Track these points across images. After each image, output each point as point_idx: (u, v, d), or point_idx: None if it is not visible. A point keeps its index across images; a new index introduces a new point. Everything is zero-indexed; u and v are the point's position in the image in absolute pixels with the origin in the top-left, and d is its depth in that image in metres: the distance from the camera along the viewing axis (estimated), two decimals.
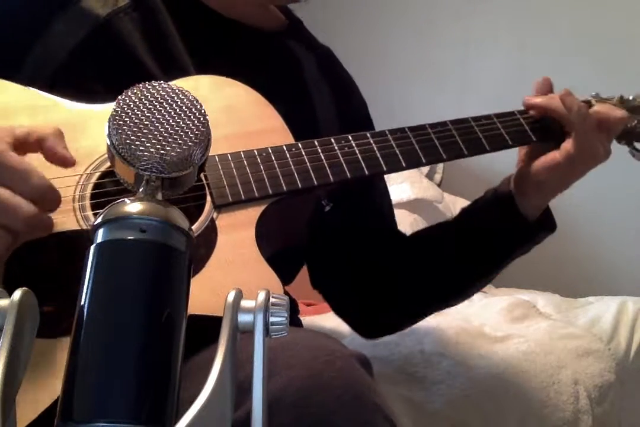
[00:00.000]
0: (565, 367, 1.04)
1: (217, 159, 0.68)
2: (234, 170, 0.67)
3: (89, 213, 0.62)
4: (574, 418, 0.99)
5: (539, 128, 0.80)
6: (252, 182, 0.67)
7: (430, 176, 2.34)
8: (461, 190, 2.32)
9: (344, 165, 0.71)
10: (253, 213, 0.66)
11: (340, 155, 0.71)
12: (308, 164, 0.70)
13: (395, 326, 0.95)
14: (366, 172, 0.72)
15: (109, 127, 0.34)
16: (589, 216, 2.05)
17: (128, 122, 0.34)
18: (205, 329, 0.44)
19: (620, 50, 1.97)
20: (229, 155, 0.68)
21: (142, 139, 0.34)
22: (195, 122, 0.35)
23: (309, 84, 0.89)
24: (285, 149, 0.70)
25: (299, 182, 0.69)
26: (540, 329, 1.17)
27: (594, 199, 1.98)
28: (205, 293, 0.57)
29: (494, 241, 0.84)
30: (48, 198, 0.56)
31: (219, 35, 0.82)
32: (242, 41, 0.84)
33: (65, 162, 0.59)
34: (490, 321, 1.20)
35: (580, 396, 1.02)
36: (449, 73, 2.41)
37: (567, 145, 0.77)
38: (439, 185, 2.36)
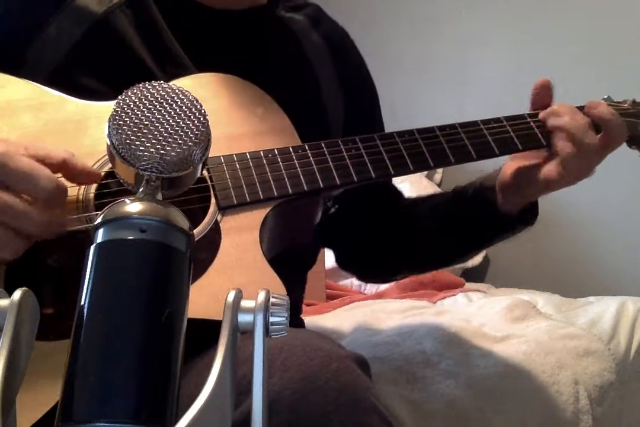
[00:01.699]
0: (565, 367, 1.04)
1: (223, 160, 0.67)
2: (239, 171, 0.67)
3: (93, 213, 0.62)
4: (574, 418, 0.99)
5: (549, 132, 0.78)
6: (258, 184, 0.66)
7: (430, 176, 2.34)
8: None
9: (351, 167, 0.70)
10: (257, 215, 0.66)
11: (347, 158, 0.71)
12: (314, 166, 0.69)
13: (387, 278, 1.08)
14: (373, 175, 0.71)
15: (109, 127, 0.34)
16: (589, 216, 2.05)
17: (128, 122, 0.34)
18: (205, 332, 0.44)
19: (619, 52, 1.97)
20: (234, 156, 0.68)
21: (142, 139, 0.34)
22: (195, 122, 0.35)
23: (308, 54, 0.88)
24: (291, 150, 0.69)
25: (304, 184, 0.68)
26: (540, 329, 1.16)
27: (594, 199, 1.98)
28: (205, 298, 0.56)
29: (473, 227, 0.87)
30: (59, 197, 0.56)
31: (209, 27, 0.82)
32: (234, 30, 0.83)
33: (94, 176, 0.61)
34: (490, 321, 1.20)
35: (580, 396, 1.02)
36: (449, 72, 2.41)
37: (548, 170, 0.76)
38: (439, 185, 2.36)
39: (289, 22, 0.88)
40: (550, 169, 0.76)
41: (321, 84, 0.87)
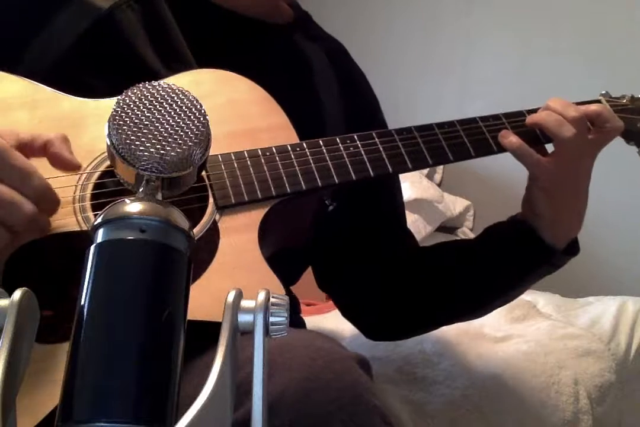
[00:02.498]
0: (565, 367, 1.04)
1: (221, 159, 0.66)
2: (237, 170, 0.66)
3: (90, 214, 0.61)
4: (574, 418, 0.99)
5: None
6: (256, 182, 0.66)
7: (430, 176, 2.34)
8: (461, 190, 2.31)
9: (349, 166, 0.70)
10: (256, 215, 0.65)
11: (345, 156, 0.70)
12: (312, 164, 0.68)
13: (404, 332, 0.93)
14: (371, 173, 0.70)
15: (109, 127, 0.34)
16: (589, 216, 2.04)
17: (128, 122, 0.34)
18: (205, 333, 0.44)
19: (620, 51, 1.97)
20: (232, 154, 0.67)
21: (142, 139, 0.34)
22: (195, 122, 0.35)
23: (316, 80, 0.87)
24: (289, 148, 0.69)
25: (302, 183, 0.67)
26: (540, 329, 1.16)
27: (594, 198, 1.98)
28: (205, 298, 0.56)
29: (512, 261, 0.82)
30: (47, 200, 0.56)
31: (220, 27, 0.81)
32: (244, 34, 0.82)
33: (71, 166, 0.60)
34: (490, 321, 1.20)
35: (580, 396, 1.02)
36: (452, 70, 2.41)
37: (538, 190, 0.77)
38: (439, 185, 2.36)
39: (303, 46, 0.87)
40: (538, 192, 0.77)
41: (324, 110, 0.85)
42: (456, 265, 0.86)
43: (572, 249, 0.82)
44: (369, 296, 0.90)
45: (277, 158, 0.68)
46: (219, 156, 0.66)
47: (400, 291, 0.88)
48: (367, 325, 0.93)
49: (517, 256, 0.81)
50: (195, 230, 0.62)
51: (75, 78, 0.70)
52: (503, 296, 0.86)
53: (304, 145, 0.70)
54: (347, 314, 0.94)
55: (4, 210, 0.52)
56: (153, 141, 0.34)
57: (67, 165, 0.59)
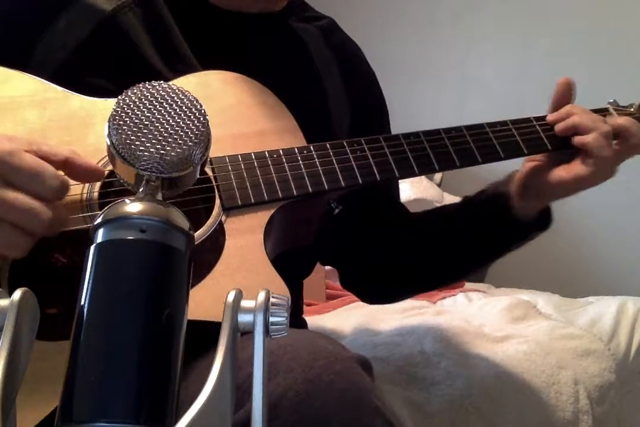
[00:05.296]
0: (565, 367, 1.04)
1: (228, 160, 0.66)
2: (244, 172, 0.66)
3: (97, 212, 0.62)
4: (574, 418, 0.99)
5: (554, 136, 0.78)
6: (262, 185, 0.66)
7: (430, 176, 2.34)
8: (461, 190, 2.31)
9: (356, 169, 0.69)
10: (262, 217, 0.65)
11: (352, 160, 0.70)
12: (319, 167, 0.68)
13: (396, 297, 1.01)
14: (378, 177, 0.70)
15: (109, 127, 0.34)
16: (589, 216, 2.05)
17: (128, 122, 0.34)
18: (207, 334, 0.44)
19: (620, 51, 1.97)
20: (239, 156, 0.67)
21: (142, 139, 0.34)
22: (195, 122, 0.35)
23: (317, 66, 0.87)
24: (297, 151, 0.69)
25: (309, 186, 0.67)
26: (540, 329, 1.16)
27: (594, 198, 1.98)
28: (209, 300, 0.56)
29: (488, 236, 0.85)
30: (63, 195, 0.56)
31: (219, 27, 0.81)
32: (243, 32, 0.83)
33: (97, 174, 0.60)
34: (490, 321, 1.20)
35: (580, 396, 1.02)
36: (449, 73, 2.41)
37: (578, 168, 0.76)
38: (439, 185, 2.36)
39: (300, 31, 0.88)
40: (577, 170, 0.76)
41: (328, 94, 0.86)
42: (439, 231, 0.91)
43: (546, 218, 0.84)
44: (367, 262, 0.94)
45: (284, 160, 0.68)
46: (226, 158, 0.66)
47: (392, 255, 0.93)
48: (365, 289, 0.99)
49: (490, 232, 0.84)
50: (201, 231, 0.63)
51: (80, 79, 0.71)
52: (480, 262, 0.91)
53: (311, 148, 0.70)
54: (345, 282, 1.00)
55: (23, 217, 0.52)
56: (153, 141, 0.34)
57: (92, 171, 0.59)
